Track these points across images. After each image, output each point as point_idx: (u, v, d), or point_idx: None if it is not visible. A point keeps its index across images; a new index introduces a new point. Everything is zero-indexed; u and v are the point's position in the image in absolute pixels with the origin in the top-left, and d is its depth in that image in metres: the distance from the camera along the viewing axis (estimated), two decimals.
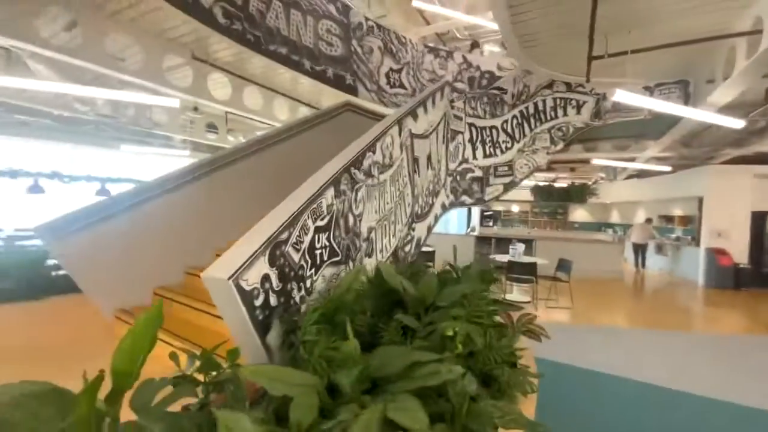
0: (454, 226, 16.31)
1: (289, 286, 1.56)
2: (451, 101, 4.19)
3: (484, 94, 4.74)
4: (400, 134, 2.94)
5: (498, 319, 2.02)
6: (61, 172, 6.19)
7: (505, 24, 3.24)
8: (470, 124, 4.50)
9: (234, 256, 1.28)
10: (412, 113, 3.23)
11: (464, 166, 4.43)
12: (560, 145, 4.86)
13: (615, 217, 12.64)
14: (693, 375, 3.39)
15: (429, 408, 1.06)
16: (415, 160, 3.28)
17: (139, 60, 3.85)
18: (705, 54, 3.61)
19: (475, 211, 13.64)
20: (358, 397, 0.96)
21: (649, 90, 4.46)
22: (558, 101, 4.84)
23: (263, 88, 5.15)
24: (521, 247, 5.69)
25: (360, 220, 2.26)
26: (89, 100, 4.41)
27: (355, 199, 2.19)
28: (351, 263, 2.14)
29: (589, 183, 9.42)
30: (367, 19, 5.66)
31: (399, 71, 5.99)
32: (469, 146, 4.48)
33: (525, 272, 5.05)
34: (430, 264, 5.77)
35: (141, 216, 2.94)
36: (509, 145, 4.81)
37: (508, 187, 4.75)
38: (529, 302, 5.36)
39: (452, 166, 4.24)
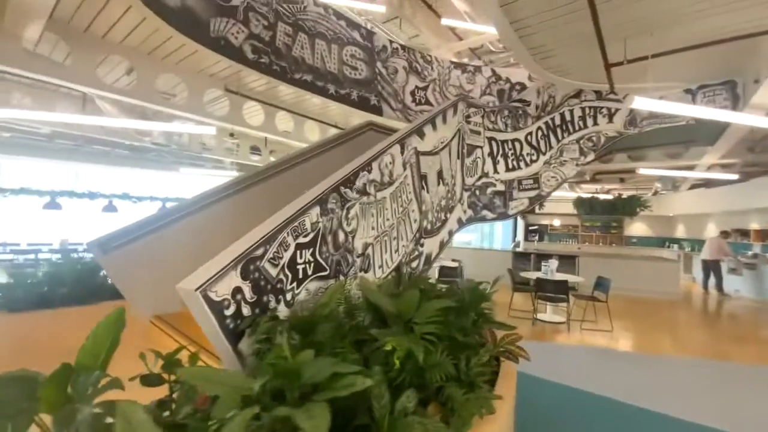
0: (499, 240, 15.75)
1: (265, 298, 1.70)
2: (467, 116, 4.20)
3: (505, 107, 4.67)
4: (402, 153, 3.02)
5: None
6: (130, 193, 7.13)
7: (511, 39, 3.23)
8: (490, 138, 4.45)
9: (205, 270, 1.45)
10: (418, 132, 3.31)
11: (484, 180, 4.37)
12: (591, 156, 4.59)
13: (681, 232, 11.36)
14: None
15: (358, 420, 1.12)
16: (423, 177, 3.33)
17: (185, 95, 4.39)
18: (749, 53, 3.27)
19: (521, 225, 13.09)
20: (293, 400, 1.06)
21: (691, 93, 4.08)
22: (587, 110, 4.61)
23: (294, 113, 5.55)
24: (554, 263, 5.37)
25: (353, 237, 2.37)
26: (146, 132, 5.14)
27: (346, 217, 2.31)
28: (342, 278, 2.25)
29: (641, 194, 8.62)
30: (391, 41, 5.88)
31: (425, 89, 6.11)
32: (489, 160, 4.42)
33: (556, 291, 4.76)
34: (452, 280, 5.66)
35: (177, 231, 3.31)
36: (534, 158, 4.66)
37: (534, 201, 4.58)
38: (563, 323, 5.02)
39: (470, 180, 4.21)
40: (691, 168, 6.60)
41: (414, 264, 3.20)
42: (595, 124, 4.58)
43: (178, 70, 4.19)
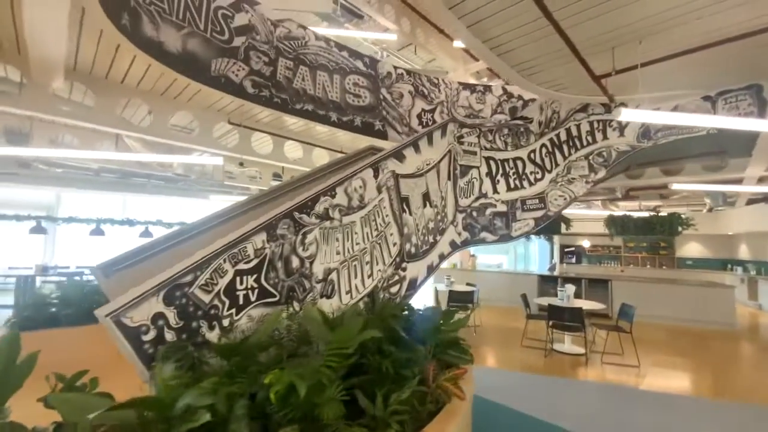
0: (536, 262, 14.89)
1: (195, 324, 1.73)
2: (459, 137, 4.12)
3: (505, 125, 4.53)
4: (377, 176, 3.02)
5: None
6: (163, 220, 7.75)
7: (490, 57, 3.16)
8: (488, 158, 4.32)
9: (124, 296, 1.51)
10: (396, 155, 3.29)
11: (482, 201, 4.21)
12: (602, 173, 4.27)
13: (744, 252, 10.02)
14: None
15: None
16: (403, 200, 3.28)
17: (197, 130, 4.77)
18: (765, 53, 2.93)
19: (557, 246, 12.34)
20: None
21: (710, 100, 3.69)
22: (595, 124, 4.33)
23: (302, 141, 5.80)
24: (571, 288, 4.93)
25: (311, 262, 2.37)
26: (167, 164, 5.63)
27: (302, 242, 2.32)
28: (297, 304, 2.24)
29: (688, 212, 7.74)
30: (396, 68, 6.00)
31: (432, 111, 6.12)
32: (487, 180, 4.27)
33: (569, 319, 4.35)
34: (465, 306, 5.36)
35: (177, 254, 3.52)
36: (539, 176, 4.42)
37: (540, 222, 4.32)
38: (581, 354, 4.54)
39: (465, 202, 4.08)
40: (738, 181, 5.88)
41: (394, 289, 3.11)
42: (605, 138, 4.28)
43: (189, 107, 4.58)
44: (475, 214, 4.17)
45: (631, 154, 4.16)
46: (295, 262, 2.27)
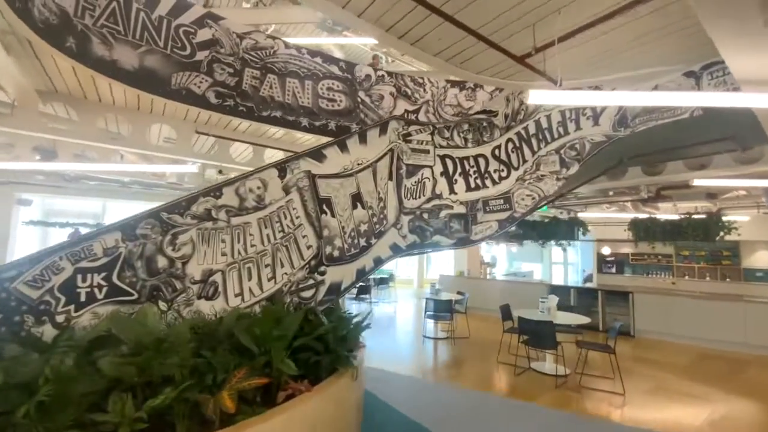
0: (577, 271, 13.57)
1: (17, 318, 1.81)
2: (406, 135, 3.90)
3: (464, 121, 4.21)
4: (283, 177, 2.95)
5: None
6: None
7: (411, 50, 2.96)
8: (444, 156, 4.03)
9: None
10: (313, 155, 3.20)
11: (436, 202, 3.93)
12: (575, 168, 3.76)
13: None
14: None
15: None
16: (323, 201, 3.17)
17: (175, 140, 5.12)
18: None
19: (589, 253, 11.15)
20: None
21: (693, 76, 3.06)
22: (568, 114, 3.84)
23: (281, 149, 5.93)
24: (553, 300, 4.33)
25: (184, 263, 2.37)
26: (159, 174, 6.13)
27: (172, 242, 2.33)
28: (163, 303, 2.24)
29: (722, 214, 6.45)
30: (376, 70, 5.92)
31: (416, 111, 5.93)
32: (442, 180, 3.98)
33: (541, 334, 3.82)
34: (444, 316, 4.91)
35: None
36: (504, 174, 4.03)
37: (504, 224, 3.91)
38: (563, 376, 3.97)
39: (413, 203, 3.83)
40: None
41: (307, 293, 2.99)
42: (578, 128, 3.77)
43: (164, 119, 4.93)
44: (426, 216, 3.89)
45: (608, 145, 3.61)
46: (161, 262, 2.28)
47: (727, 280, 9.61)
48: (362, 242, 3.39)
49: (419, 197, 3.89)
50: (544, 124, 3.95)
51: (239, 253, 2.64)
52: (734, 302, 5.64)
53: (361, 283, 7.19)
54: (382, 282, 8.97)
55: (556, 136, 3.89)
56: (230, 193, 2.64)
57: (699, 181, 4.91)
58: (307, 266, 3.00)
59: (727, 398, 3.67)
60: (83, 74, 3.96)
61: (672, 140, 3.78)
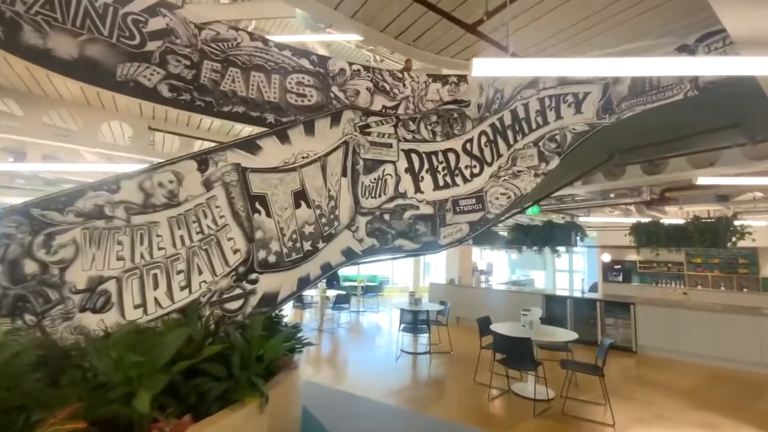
0: (585, 280, 12.89)
1: None
2: (364, 126, 3.50)
3: (433, 111, 3.80)
4: (203, 170, 2.57)
5: None
6: None
7: (363, 30, 2.59)
8: (408, 151, 3.62)
9: None
10: (244, 146, 2.82)
11: (399, 202, 3.51)
12: (555, 162, 3.30)
13: None
14: None
15: None
16: (256, 198, 2.77)
17: (132, 137, 4.83)
18: None
19: (595, 260, 10.52)
20: None
21: (686, 50, 2.60)
22: (547, 101, 3.39)
23: None
24: (535, 313, 3.83)
25: (63, 268, 1.99)
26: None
27: (46, 244, 1.96)
28: (32, 316, 1.86)
29: (732, 216, 5.81)
30: (351, 63, 5.58)
31: (395, 107, 5.55)
32: (407, 177, 3.56)
33: (518, 353, 3.33)
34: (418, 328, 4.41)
35: None
36: (477, 171, 3.59)
37: (476, 227, 3.46)
38: (545, 401, 3.45)
39: (372, 202, 3.41)
40: None
41: (233, 305, 2.59)
42: (559, 117, 3.31)
43: (120, 115, 4.64)
44: (387, 217, 3.47)
45: (592, 134, 3.14)
46: (29, 267, 1.91)
47: (744, 290, 8.89)
48: (307, 246, 2.97)
49: (380, 196, 3.47)
50: (521, 114, 3.51)
51: (142, 257, 2.25)
52: (750, 316, 5.03)
53: (340, 291, 6.75)
54: (370, 290, 8.52)
55: (534, 126, 3.44)
56: (131, 187, 2.27)
57: (704, 180, 4.39)
58: (233, 273, 2.60)
59: (739, 430, 3.12)
60: (19, 65, 3.68)
61: (667, 130, 3.29)
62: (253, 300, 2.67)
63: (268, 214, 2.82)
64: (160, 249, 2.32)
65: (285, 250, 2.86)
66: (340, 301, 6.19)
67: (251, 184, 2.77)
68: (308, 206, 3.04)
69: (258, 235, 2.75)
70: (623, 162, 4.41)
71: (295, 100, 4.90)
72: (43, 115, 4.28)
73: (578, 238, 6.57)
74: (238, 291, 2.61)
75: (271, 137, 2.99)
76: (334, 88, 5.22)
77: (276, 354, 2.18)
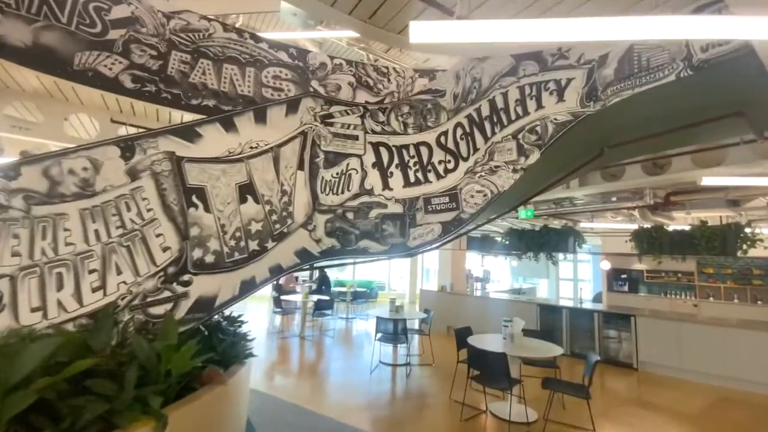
0: (590, 289, 12.35)
1: None
2: (326, 116, 3.22)
3: (405, 102, 3.50)
4: (128, 157, 2.30)
5: None
6: None
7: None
8: (377, 144, 3.32)
9: None
10: (180, 132, 2.55)
11: (364, 199, 3.20)
12: (535, 156, 2.97)
13: None
14: None
15: None
16: (192, 191, 2.50)
17: (99, 132, 4.63)
18: None
19: (599, 268, 10.01)
20: None
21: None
22: (528, 89, 3.07)
23: None
24: (518, 324, 3.46)
25: None
26: None
27: None
28: None
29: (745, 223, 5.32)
30: (332, 58, 5.34)
31: (379, 103, 5.29)
32: (374, 173, 3.26)
33: (492, 370, 2.96)
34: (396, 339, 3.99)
35: None
36: (451, 166, 3.27)
37: (450, 227, 3.14)
38: (525, 423, 3.07)
39: (333, 199, 3.11)
40: None
41: (159, 309, 2.30)
42: (540, 107, 2.98)
43: (84, 109, 4.45)
44: (351, 216, 3.15)
45: (575, 124, 2.80)
46: None
47: (759, 302, 8.30)
48: (253, 246, 2.68)
49: (342, 192, 3.16)
50: (500, 104, 3.18)
51: (44, 253, 1.98)
52: (765, 332, 4.55)
53: (322, 297, 6.41)
54: (359, 296, 8.15)
55: (513, 117, 3.11)
56: (33, 174, 2.01)
57: (709, 180, 3.98)
58: (161, 274, 2.31)
59: None
60: None
61: (659, 120, 2.93)
62: (185, 304, 2.38)
63: (207, 209, 2.54)
64: (67, 245, 2.05)
65: (226, 250, 2.57)
66: (322, 307, 5.86)
67: (187, 175, 2.50)
68: (256, 201, 2.75)
69: (194, 231, 2.47)
70: (615, 159, 4.03)
71: (272, 94, 4.63)
72: (5, 106, 4.11)
73: (576, 244, 6.16)
74: (166, 294, 2.32)
75: (213, 124, 2.72)
76: (314, 83, 4.95)
77: (186, 367, 1.88)
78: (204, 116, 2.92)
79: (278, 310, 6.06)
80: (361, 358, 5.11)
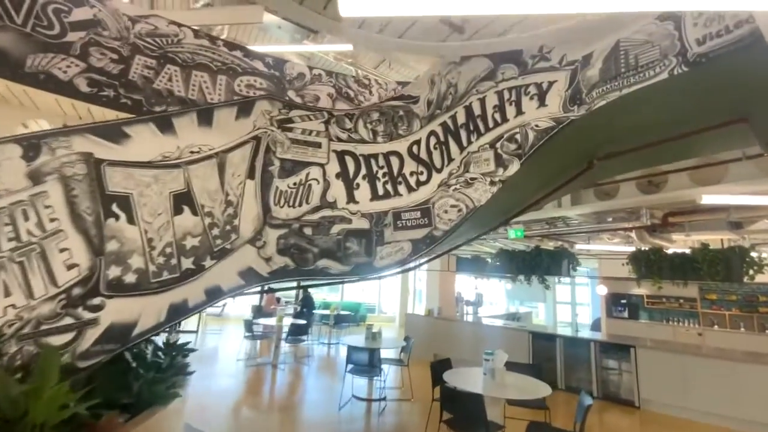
0: (588, 314, 11.85)
1: None
2: (284, 120, 2.92)
3: (373, 108, 3.22)
4: (30, 158, 1.98)
5: None
6: None
7: None
8: (342, 153, 3.00)
9: None
10: (104, 131, 2.23)
11: (326, 213, 2.85)
12: (514, 167, 2.64)
13: None
14: None
15: None
16: (112, 199, 2.15)
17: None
18: None
19: (602, 296, 9.56)
20: None
21: (671, 18, 1.98)
22: (506, 94, 2.79)
23: None
24: (501, 356, 3.04)
25: None
26: None
27: None
28: None
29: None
30: (311, 68, 5.12)
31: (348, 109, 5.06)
32: (338, 184, 2.93)
33: (467, 413, 2.53)
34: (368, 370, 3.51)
35: None
36: (424, 178, 2.94)
37: (421, 245, 2.78)
38: None
39: (288, 212, 2.76)
40: None
41: (58, 339, 1.91)
42: (520, 113, 2.69)
43: (40, 114, 4.17)
44: (309, 231, 2.80)
45: (558, 131, 2.49)
46: None
47: (767, 332, 7.83)
48: (187, 264, 2.31)
49: (300, 205, 2.82)
50: (477, 111, 2.89)
51: None
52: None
53: (296, 321, 5.90)
54: (342, 320, 7.64)
55: (491, 125, 2.81)
56: None
57: (709, 199, 3.66)
58: (62, 296, 1.94)
59: None
60: None
61: (653, 128, 2.63)
62: (92, 333, 1.99)
63: (131, 220, 2.18)
64: None
65: (152, 268, 2.20)
66: (296, 332, 5.39)
67: (108, 181, 2.16)
68: (194, 213, 2.40)
69: (111, 246, 2.11)
70: (608, 174, 3.72)
71: None
72: None
73: (571, 267, 5.77)
74: (67, 320, 1.94)
75: (146, 124, 2.40)
76: (291, 93, 4.71)
77: (55, 418, 1.47)
78: (134, 115, 2.61)
79: (248, 334, 5.57)
80: (334, 391, 4.61)
